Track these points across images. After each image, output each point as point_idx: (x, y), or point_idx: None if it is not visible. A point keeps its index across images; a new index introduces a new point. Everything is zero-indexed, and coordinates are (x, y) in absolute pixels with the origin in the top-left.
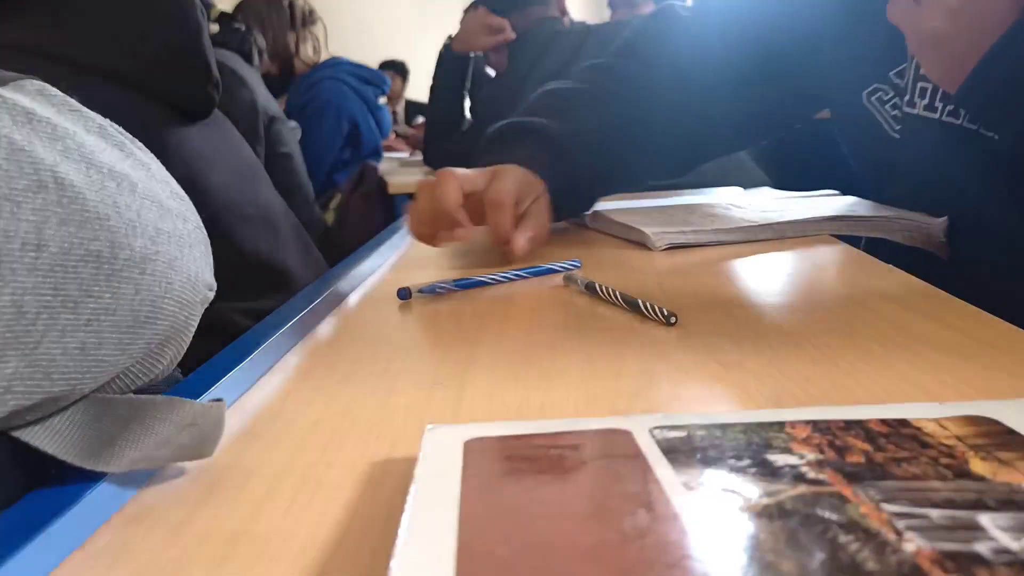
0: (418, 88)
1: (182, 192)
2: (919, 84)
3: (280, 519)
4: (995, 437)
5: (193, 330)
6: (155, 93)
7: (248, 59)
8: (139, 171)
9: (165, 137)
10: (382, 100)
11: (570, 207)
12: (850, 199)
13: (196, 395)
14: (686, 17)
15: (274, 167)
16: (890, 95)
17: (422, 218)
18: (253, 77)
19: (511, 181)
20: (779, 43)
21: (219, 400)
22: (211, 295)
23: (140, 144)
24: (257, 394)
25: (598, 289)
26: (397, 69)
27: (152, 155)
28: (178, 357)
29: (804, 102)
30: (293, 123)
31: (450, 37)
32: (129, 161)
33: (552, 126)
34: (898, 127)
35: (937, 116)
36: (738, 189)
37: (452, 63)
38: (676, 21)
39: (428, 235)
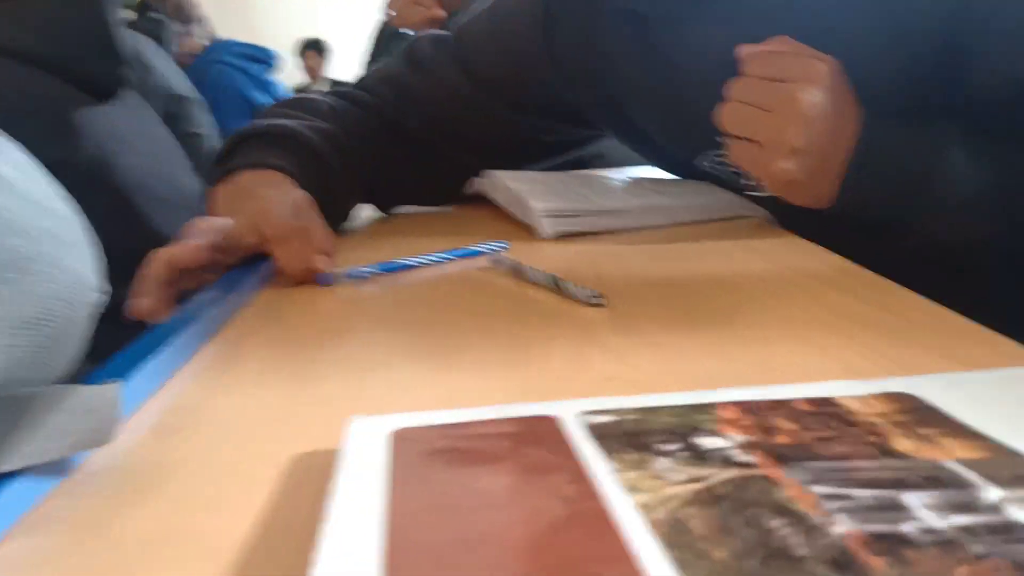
0: (345, 68)
1: (65, 193)
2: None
3: (199, 519)
4: (915, 413)
5: (86, 333)
6: (65, 73)
7: (163, 44)
8: (16, 171)
9: (76, 117)
10: (281, 78)
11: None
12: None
13: None
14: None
15: (187, 148)
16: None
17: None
18: (163, 62)
19: (281, 208)
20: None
21: (113, 381)
22: (102, 297)
23: (19, 145)
24: (175, 386)
25: (525, 271)
26: (316, 48)
27: (31, 161)
28: (72, 362)
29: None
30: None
31: (390, 13)
32: (6, 162)
33: (300, 129)
34: (744, 182)
35: None
36: (656, 169)
37: (389, 39)
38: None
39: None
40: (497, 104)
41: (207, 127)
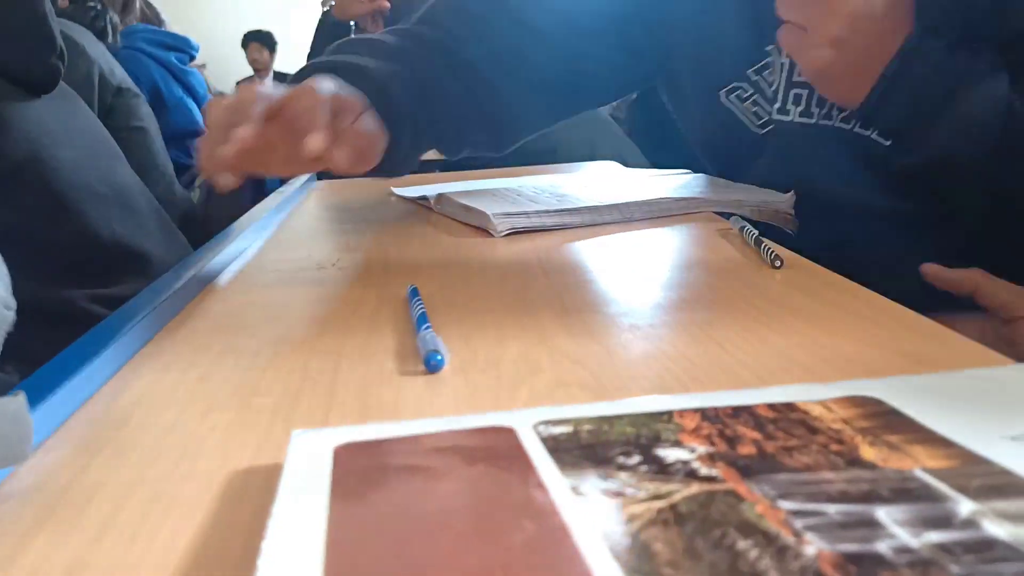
0: (292, 62)
1: None
2: (792, 91)
3: (125, 546)
4: (880, 418)
5: None
6: None
7: (100, 35)
8: None
9: (6, 111)
10: (229, 70)
11: (389, 160)
12: (701, 177)
13: (39, 399)
14: None
15: (127, 142)
16: (749, 92)
17: (216, 138)
18: (99, 52)
19: (326, 82)
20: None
21: (18, 393)
22: (10, 315)
23: None
24: (106, 396)
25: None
26: (263, 40)
27: None
28: None
29: (650, 66)
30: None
31: (331, 4)
32: None
33: (368, 63)
34: (760, 123)
35: (814, 121)
36: (615, 164)
37: (331, 29)
38: None
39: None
40: (563, 30)
41: (148, 120)
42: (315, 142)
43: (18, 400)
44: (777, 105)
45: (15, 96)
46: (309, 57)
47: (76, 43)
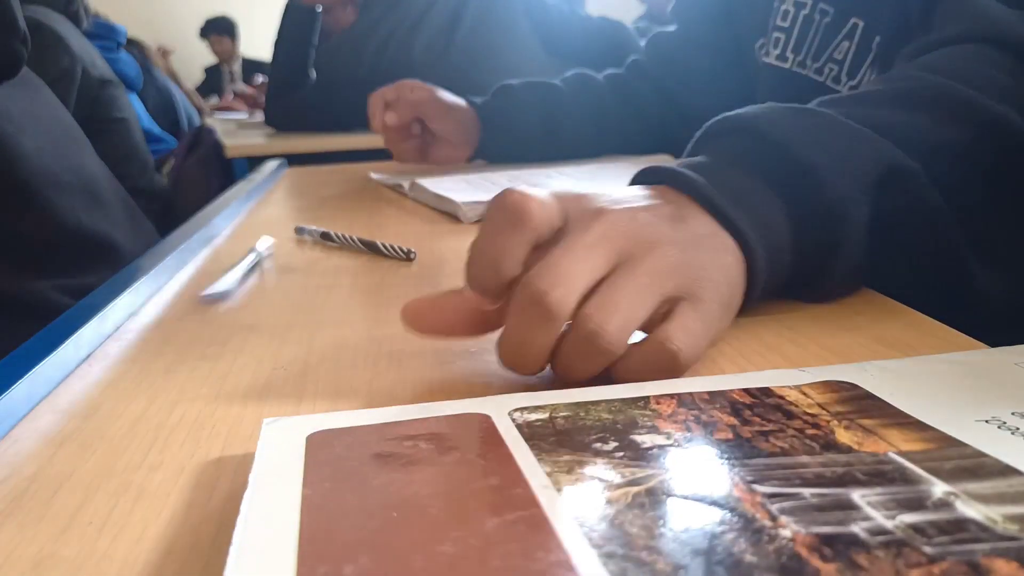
0: (259, 46)
1: None
2: (774, 34)
3: (93, 538)
4: (855, 403)
5: None
6: None
7: (75, 21)
8: None
9: None
10: (191, 56)
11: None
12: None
13: (2, 389)
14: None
15: (109, 133)
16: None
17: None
18: (78, 40)
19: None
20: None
21: None
22: None
23: None
24: (72, 387)
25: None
26: (223, 29)
27: None
28: None
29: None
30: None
31: None
32: None
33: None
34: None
35: (788, 66)
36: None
37: (298, 14)
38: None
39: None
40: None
41: (128, 111)
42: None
43: None
44: (766, 47)
45: None
46: (276, 43)
47: (59, 36)
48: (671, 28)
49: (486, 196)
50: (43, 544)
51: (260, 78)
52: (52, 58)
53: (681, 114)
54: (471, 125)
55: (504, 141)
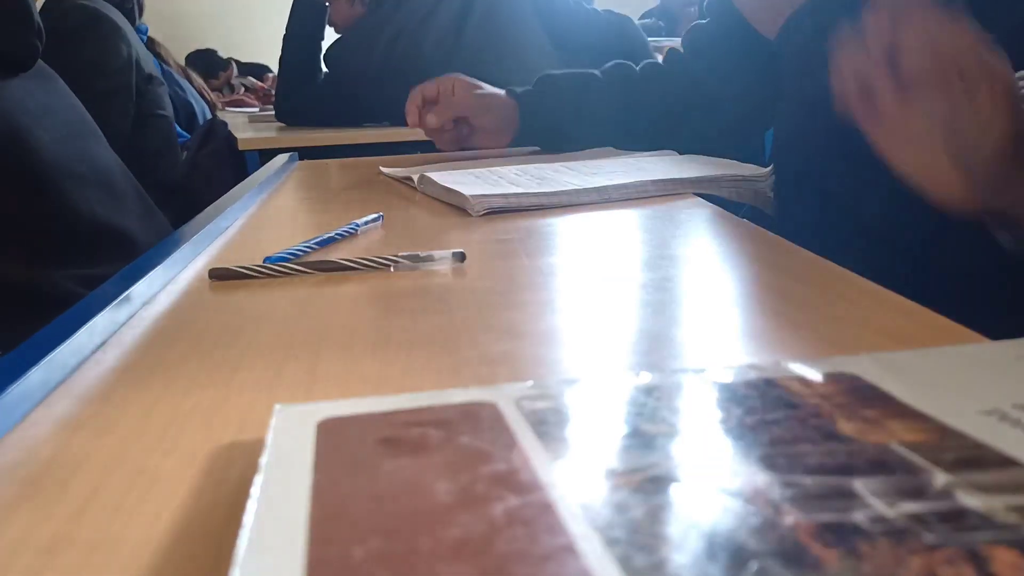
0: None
1: None
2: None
3: (108, 521)
4: (858, 394)
5: None
6: None
7: (128, 16)
8: None
9: None
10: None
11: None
12: (680, 157)
13: (12, 378)
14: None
15: (149, 128)
16: None
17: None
18: (134, 39)
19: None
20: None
21: None
22: None
23: None
24: (87, 373)
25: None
26: (210, 66)
27: None
28: None
29: None
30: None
31: None
32: None
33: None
34: None
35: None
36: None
37: (307, 9)
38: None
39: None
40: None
41: (168, 108)
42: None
43: None
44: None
45: None
46: (285, 38)
47: (118, 27)
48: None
49: (493, 189)
50: (58, 526)
51: (270, 74)
52: (114, 48)
53: (710, 105)
54: (511, 115)
55: (541, 129)
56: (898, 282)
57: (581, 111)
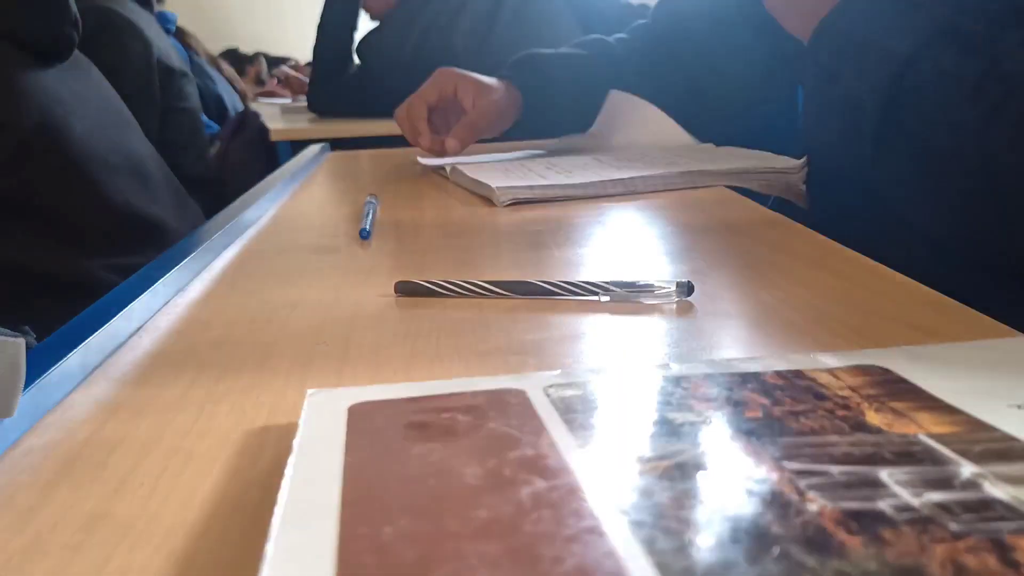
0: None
1: None
2: None
3: (144, 499)
4: (887, 386)
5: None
6: (7, 32)
7: (146, 5)
8: None
9: (18, 80)
10: None
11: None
12: (710, 148)
13: (52, 361)
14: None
15: (170, 121)
16: None
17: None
18: (150, 26)
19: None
20: None
21: (16, 336)
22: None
23: None
24: (123, 358)
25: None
26: (241, 60)
27: None
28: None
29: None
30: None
31: None
32: None
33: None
34: None
35: None
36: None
37: (340, 1)
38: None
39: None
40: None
41: (194, 100)
42: (450, 144)
43: (16, 344)
44: None
45: (27, 64)
46: (319, 28)
47: (128, 20)
48: None
49: (520, 182)
50: (96, 503)
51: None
52: (131, 50)
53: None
54: (514, 104)
55: (540, 114)
56: (931, 277)
57: (580, 94)
